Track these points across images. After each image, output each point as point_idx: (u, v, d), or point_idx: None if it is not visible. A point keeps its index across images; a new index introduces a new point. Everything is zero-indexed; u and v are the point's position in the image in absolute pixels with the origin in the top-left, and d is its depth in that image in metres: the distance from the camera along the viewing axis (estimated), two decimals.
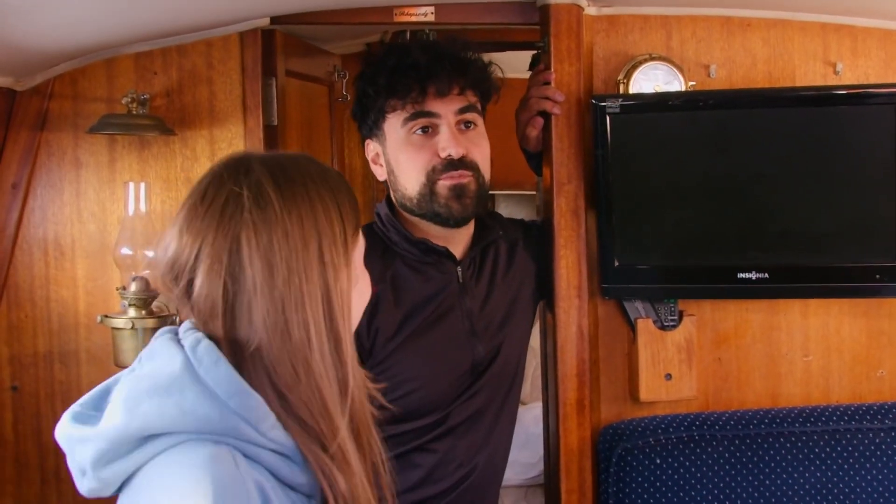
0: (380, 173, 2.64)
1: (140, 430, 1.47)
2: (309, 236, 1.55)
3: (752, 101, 2.81)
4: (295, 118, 3.17)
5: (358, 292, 1.66)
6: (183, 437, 1.47)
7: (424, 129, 2.53)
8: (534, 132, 2.79)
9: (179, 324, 1.63)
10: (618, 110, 2.75)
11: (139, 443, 1.48)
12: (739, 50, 2.94)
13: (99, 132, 2.79)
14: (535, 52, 2.94)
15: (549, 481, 3.08)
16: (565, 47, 2.81)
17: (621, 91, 2.86)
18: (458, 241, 2.63)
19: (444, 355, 2.54)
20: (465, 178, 2.52)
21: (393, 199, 2.63)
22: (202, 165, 2.90)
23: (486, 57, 2.69)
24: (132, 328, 2.75)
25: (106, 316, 2.80)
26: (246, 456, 1.50)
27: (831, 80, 2.94)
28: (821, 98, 2.79)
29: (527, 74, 2.96)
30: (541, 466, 3.38)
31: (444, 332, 2.55)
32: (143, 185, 2.81)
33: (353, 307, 1.65)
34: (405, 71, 2.51)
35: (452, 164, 2.50)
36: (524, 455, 4.00)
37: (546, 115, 2.79)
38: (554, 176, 2.82)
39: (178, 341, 1.57)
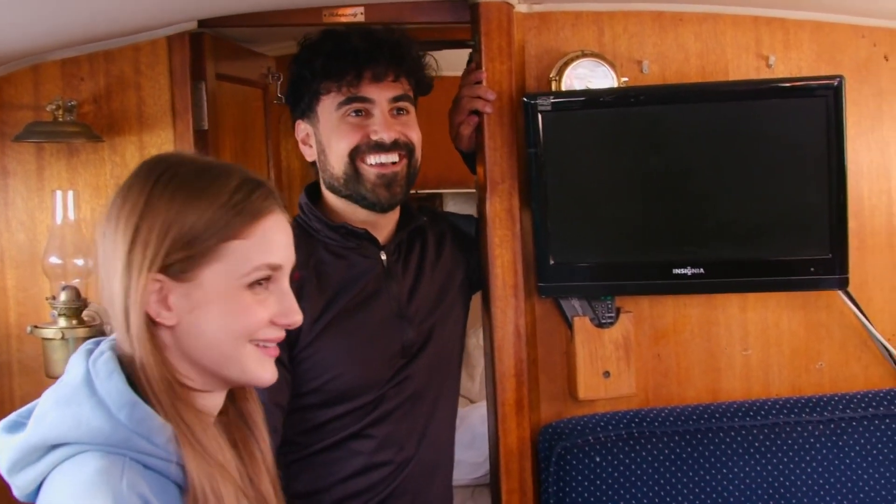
0: (309, 154, 2.66)
1: (42, 440, 1.53)
2: (119, 244, 1.59)
3: (685, 96, 2.79)
4: (227, 122, 3.15)
5: (205, 313, 1.62)
6: (80, 448, 1.51)
7: (358, 113, 2.55)
8: (466, 131, 2.78)
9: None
10: (549, 108, 2.74)
11: (45, 451, 1.54)
12: (672, 45, 2.93)
13: (25, 140, 2.75)
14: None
15: (494, 481, 3.06)
16: (496, 46, 2.79)
17: (554, 88, 2.84)
18: (382, 226, 2.64)
19: (371, 337, 2.55)
20: (398, 166, 2.56)
21: (322, 181, 2.65)
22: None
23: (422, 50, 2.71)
24: (62, 338, 2.72)
25: (36, 326, 2.76)
26: (147, 467, 1.52)
27: (764, 74, 2.94)
28: (753, 92, 2.79)
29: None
30: (487, 466, 3.37)
31: (370, 315, 2.56)
32: (70, 194, 2.78)
33: (201, 326, 1.63)
34: (342, 55, 2.54)
35: (381, 147, 2.53)
36: (471, 454, 3.98)
37: (479, 114, 2.78)
38: (487, 175, 2.80)
39: (91, 353, 1.61)
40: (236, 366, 1.65)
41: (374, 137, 2.53)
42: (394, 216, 2.67)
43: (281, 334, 1.69)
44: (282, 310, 1.66)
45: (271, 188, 1.69)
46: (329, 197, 2.63)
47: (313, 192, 2.69)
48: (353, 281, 2.56)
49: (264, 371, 1.69)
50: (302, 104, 2.62)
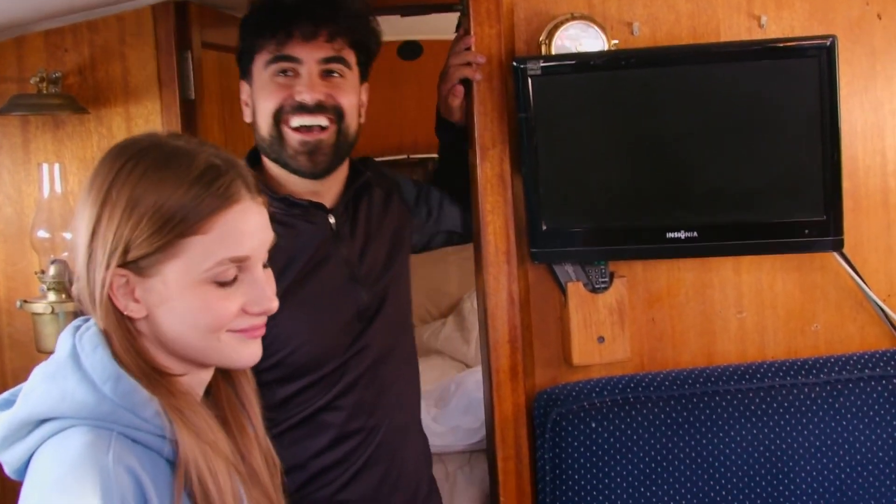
0: (247, 115, 2.59)
1: (29, 415, 1.54)
2: (81, 236, 1.58)
3: (676, 59, 2.77)
4: (214, 91, 3.12)
5: (172, 309, 1.61)
6: (68, 423, 1.52)
7: (285, 73, 2.47)
8: (456, 102, 2.73)
9: None
10: (539, 72, 2.71)
11: (33, 426, 1.54)
12: (662, 6, 2.89)
13: (9, 113, 2.72)
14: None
15: (489, 448, 3.06)
16: (485, 9, 2.76)
17: (543, 52, 2.81)
18: (327, 188, 2.57)
19: (325, 305, 2.50)
20: (324, 133, 2.47)
21: (257, 144, 2.58)
22: None
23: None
24: (52, 312, 2.70)
25: (25, 301, 2.75)
26: (136, 442, 1.52)
27: (756, 34, 2.90)
28: (745, 53, 2.76)
29: (452, 36, 2.91)
30: (483, 432, 3.37)
31: (321, 282, 2.50)
32: (57, 166, 2.76)
33: (170, 321, 1.61)
34: (272, 12, 2.46)
35: (304, 108, 2.45)
36: (467, 420, 3.97)
37: (468, 83, 2.74)
38: (478, 141, 2.78)
39: (79, 329, 1.62)
40: (213, 354, 1.64)
41: (296, 98, 2.44)
42: (339, 177, 2.60)
43: (258, 321, 1.66)
44: (252, 298, 1.64)
45: (240, 171, 1.65)
46: (266, 162, 2.57)
47: (255, 158, 2.61)
48: (301, 249, 2.50)
49: (246, 352, 1.67)
50: (242, 64, 2.56)
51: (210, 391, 1.75)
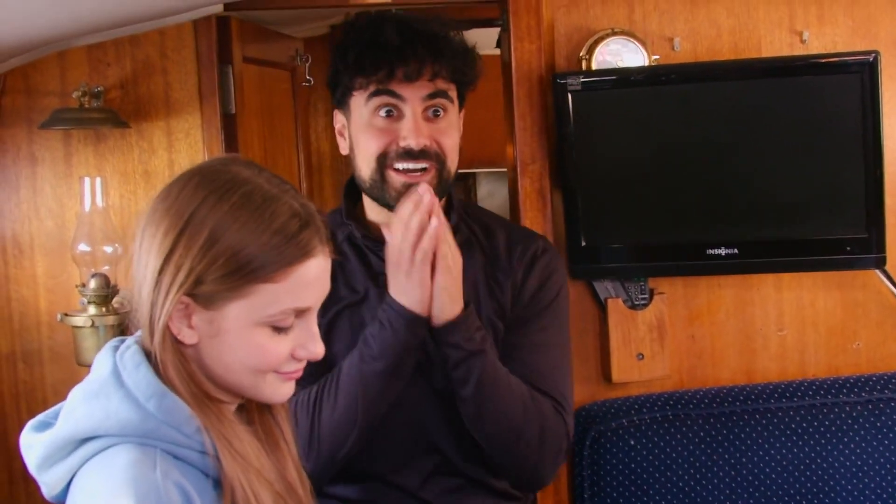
0: (343, 147, 2.45)
1: (72, 433, 1.53)
2: (152, 258, 1.55)
3: (717, 74, 2.77)
4: (254, 105, 3.12)
5: (224, 343, 1.60)
6: (112, 441, 1.51)
7: (389, 112, 2.33)
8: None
9: None
10: (580, 87, 2.71)
11: (75, 446, 1.53)
12: (704, 21, 2.89)
13: (51, 127, 2.74)
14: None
15: None
16: (525, 25, 2.78)
17: (584, 67, 2.81)
18: None
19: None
20: (426, 175, 2.31)
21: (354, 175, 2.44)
22: (160, 157, 2.86)
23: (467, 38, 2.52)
24: (92, 326, 2.70)
25: (66, 314, 2.75)
26: (176, 458, 1.52)
27: (798, 50, 2.89)
28: (787, 68, 2.76)
29: (493, 51, 2.91)
30: None
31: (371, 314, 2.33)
32: (98, 180, 2.76)
33: (221, 354, 1.60)
34: (375, 50, 2.31)
35: (410, 154, 2.31)
36: None
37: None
38: (517, 156, 2.78)
39: (117, 349, 1.61)
40: (252, 390, 1.63)
41: (401, 144, 2.30)
42: None
43: (301, 365, 1.66)
44: (302, 344, 1.63)
45: (317, 223, 1.63)
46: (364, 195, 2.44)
47: (351, 187, 2.48)
48: (362, 282, 2.38)
49: (282, 391, 1.65)
50: (337, 94, 2.42)
51: (242, 405, 1.75)
